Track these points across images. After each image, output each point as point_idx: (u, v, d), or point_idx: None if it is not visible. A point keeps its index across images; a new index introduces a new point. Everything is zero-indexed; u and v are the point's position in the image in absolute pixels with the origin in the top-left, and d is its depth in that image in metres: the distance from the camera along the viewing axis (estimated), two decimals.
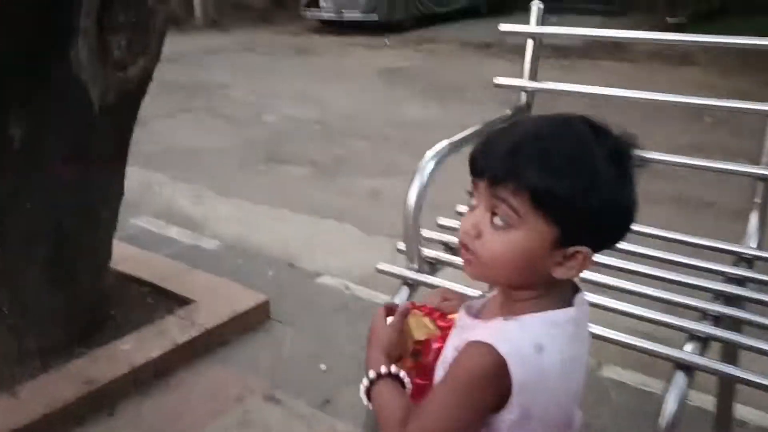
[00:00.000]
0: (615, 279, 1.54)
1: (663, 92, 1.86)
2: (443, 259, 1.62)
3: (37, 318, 2.06)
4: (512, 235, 0.88)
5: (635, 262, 1.62)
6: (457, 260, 1.63)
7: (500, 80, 1.95)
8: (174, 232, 3.70)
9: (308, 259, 3.35)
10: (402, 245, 1.59)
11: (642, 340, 1.38)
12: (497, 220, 0.88)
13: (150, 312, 2.37)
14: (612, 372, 2.38)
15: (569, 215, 0.86)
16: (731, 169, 1.75)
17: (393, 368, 0.98)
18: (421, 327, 1.03)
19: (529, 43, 1.92)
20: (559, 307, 0.92)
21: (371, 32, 10.85)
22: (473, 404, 0.89)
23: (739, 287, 1.50)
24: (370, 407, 0.99)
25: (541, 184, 0.84)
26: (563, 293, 0.94)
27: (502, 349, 0.87)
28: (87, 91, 1.85)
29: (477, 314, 1.00)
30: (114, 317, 2.30)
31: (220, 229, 3.77)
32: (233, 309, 2.47)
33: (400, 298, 1.52)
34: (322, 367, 2.39)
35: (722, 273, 1.56)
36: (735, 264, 1.62)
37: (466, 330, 0.96)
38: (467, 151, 0.93)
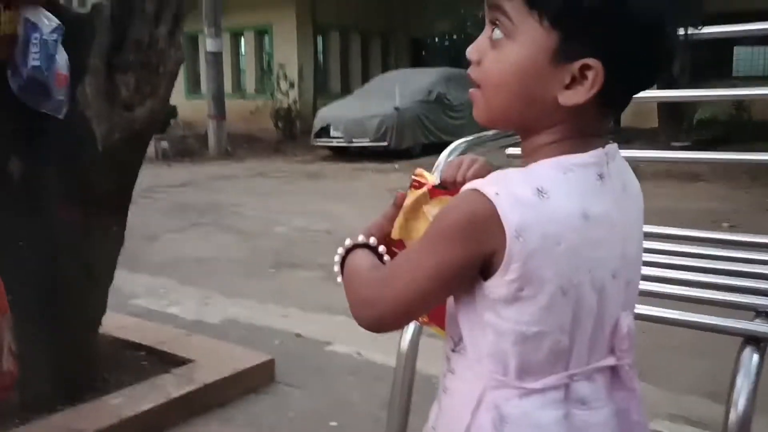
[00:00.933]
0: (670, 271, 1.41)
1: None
2: None
3: (20, 368, 1.85)
4: (508, 48, 0.75)
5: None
6: None
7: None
8: (177, 309, 3.51)
9: (317, 331, 3.16)
10: None
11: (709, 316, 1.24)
12: (495, 34, 0.76)
13: (145, 373, 2.16)
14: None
15: (565, 11, 0.70)
16: None
17: (371, 240, 0.88)
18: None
19: None
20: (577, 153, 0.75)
21: (381, 159, 11.11)
22: (451, 257, 0.72)
23: None
24: (340, 280, 0.89)
25: None
26: (586, 143, 0.76)
27: (491, 190, 0.71)
28: (92, 129, 1.77)
29: None
30: (107, 379, 2.09)
31: (226, 316, 3.60)
32: (234, 367, 2.27)
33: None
34: (332, 424, 2.14)
35: None
36: None
37: None
38: None
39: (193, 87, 17.34)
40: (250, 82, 17.48)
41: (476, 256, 0.72)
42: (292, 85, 14.86)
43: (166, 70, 1.92)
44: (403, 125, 11.51)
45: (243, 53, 17.83)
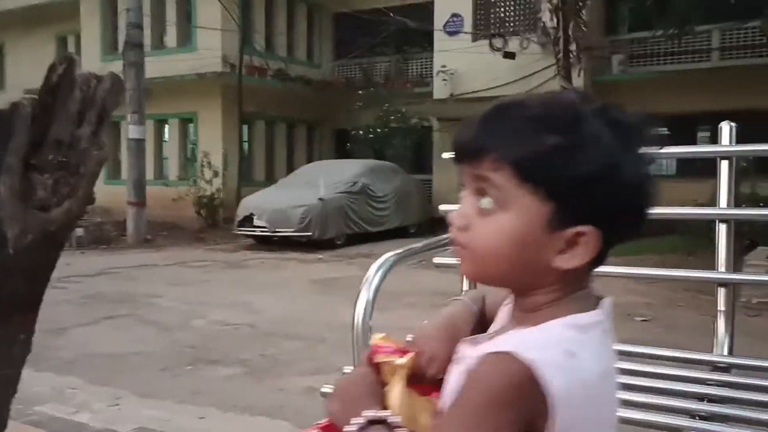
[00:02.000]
0: None
1: None
2: None
3: None
4: (500, 218, 0.75)
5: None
6: None
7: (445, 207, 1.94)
8: (85, 415, 3.28)
9: None
10: (348, 368, 1.42)
11: None
12: (483, 203, 0.76)
13: None
14: None
15: (560, 183, 0.72)
16: (691, 276, 1.71)
17: (390, 416, 0.77)
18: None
19: (725, 164, 1.84)
20: (583, 312, 0.76)
21: (304, 248, 11.07)
22: (497, 429, 0.68)
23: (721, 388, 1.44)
24: None
25: (522, 149, 0.72)
26: (585, 300, 0.78)
27: (528, 355, 0.68)
28: (3, 230, 1.68)
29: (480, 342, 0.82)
30: None
31: (139, 422, 3.38)
32: None
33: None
34: None
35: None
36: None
37: (468, 357, 0.78)
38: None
39: (113, 173, 16.98)
40: (173, 169, 17.30)
41: (521, 425, 0.69)
42: (216, 173, 14.80)
43: (87, 169, 1.87)
44: (327, 215, 11.58)
45: (167, 140, 17.72)
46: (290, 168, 16.54)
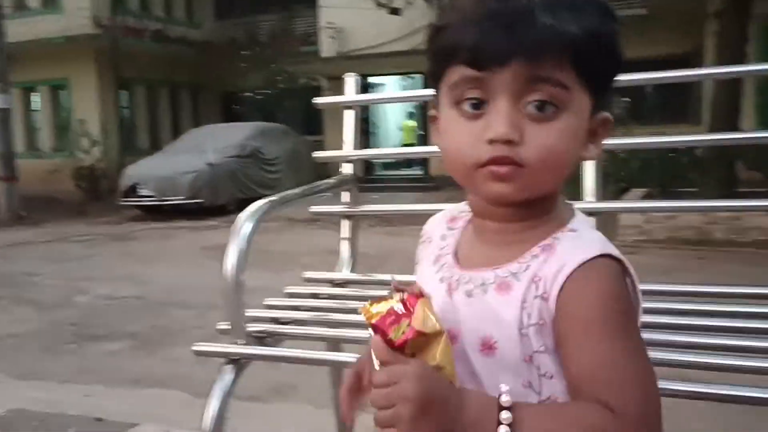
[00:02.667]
0: None
1: None
2: (275, 331, 1.37)
3: None
4: (563, 119, 0.71)
5: None
6: (294, 330, 1.39)
7: (321, 154, 1.87)
8: None
9: (122, 412, 2.86)
10: (223, 324, 1.34)
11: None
12: (546, 108, 0.70)
13: None
14: None
15: (611, 71, 0.74)
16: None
17: (504, 398, 0.66)
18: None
19: (349, 113, 1.86)
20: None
21: (195, 216, 10.70)
22: (639, 333, 0.71)
23: None
24: None
25: (585, 37, 0.69)
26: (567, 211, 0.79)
27: (614, 253, 0.71)
28: None
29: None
30: None
31: (16, 406, 3.15)
32: None
33: (224, 382, 1.24)
34: None
35: None
36: None
37: (500, 278, 0.74)
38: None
39: None
40: (46, 139, 16.18)
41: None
42: (94, 143, 13.96)
43: None
44: (217, 181, 11.23)
45: (38, 109, 16.52)
46: (176, 134, 15.84)
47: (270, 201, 1.44)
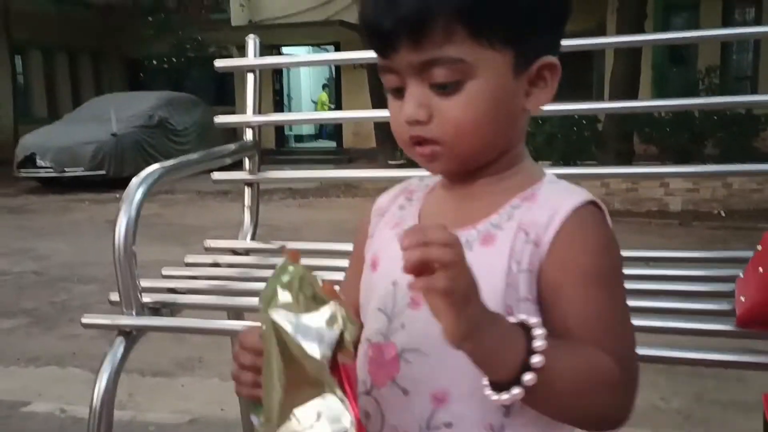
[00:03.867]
0: None
1: None
2: (172, 302, 1.33)
3: None
4: (469, 89, 0.68)
5: None
6: (191, 300, 1.36)
7: (222, 118, 1.82)
8: None
9: (15, 390, 2.74)
10: (115, 296, 1.29)
11: None
12: (447, 86, 0.68)
13: None
14: None
15: (515, 22, 0.69)
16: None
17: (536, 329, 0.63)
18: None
19: (250, 77, 1.82)
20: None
21: (99, 188, 10.23)
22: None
23: None
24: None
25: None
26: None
27: (598, 200, 0.72)
28: None
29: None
30: None
31: None
32: None
33: (115, 355, 1.19)
34: None
35: None
36: None
37: (484, 232, 0.73)
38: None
39: None
40: None
41: None
42: None
43: None
44: (122, 152, 10.76)
45: None
46: (76, 103, 15.03)
47: (164, 166, 1.39)
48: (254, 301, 1.30)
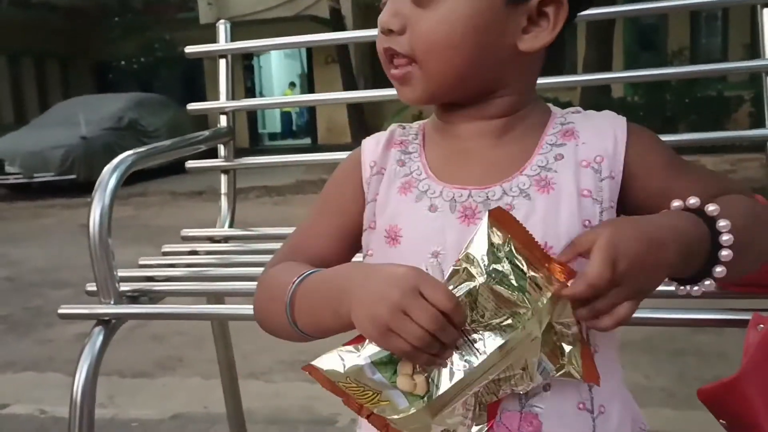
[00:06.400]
0: None
1: None
2: (150, 289, 1.29)
3: None
4: (449, 4, 0.63)
5: None
6: (170, 287, 1.32)
7: (195, 105, 1.78)
8: None
9: None
10: (92, 286, 1.25)
11: None
12: None
13: None
14: None
15: None
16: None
17: None
18: None
19: (222, 63, 1.78)
20: None
21: (70, 193, 10.06)
22: None
23: None
24: None
25: None
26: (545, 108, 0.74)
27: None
28: None
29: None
30: None
31: None
32: None
33: (94, 345, 1.15)
34: None
35: None
36: None
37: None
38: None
39: None
40: None
41: None
42: None
43: None
44: (92, 155, 10.56)
45: None
46: (44, 107, 14.75)
47: (136, 152, 1.35)
48: (235, 285, 1.27)
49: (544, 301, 0.59)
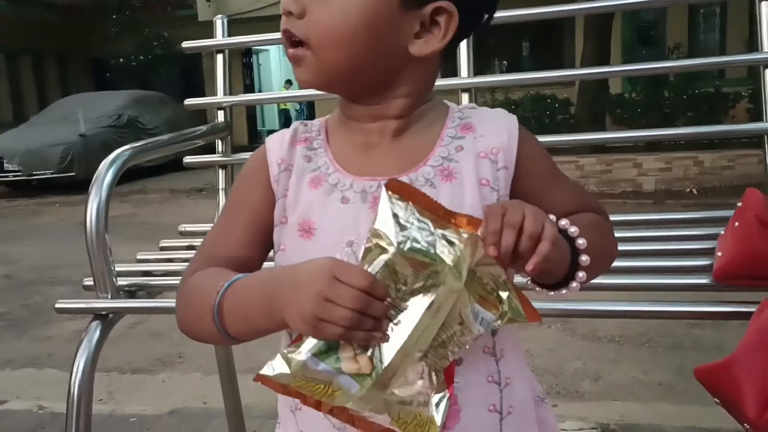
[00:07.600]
0: None
1: None
2: (147, 284, 1.29)
3: None
4: None
5: None
6: (168, 282, 1.32)
7: (193, 101, 1.78)
8: None
9: None
10: (89, 280, 1.25)
11: None
12: None
13: None
14: None
15: None
16: None
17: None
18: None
19: (219, 58, 1.78)
20: None
21: (69, 191, 10.06)
22: None
23: None
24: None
25: None
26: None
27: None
28: None
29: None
30: None
31: None
32: None
33: (91, 340, 1.15)
34: None
35: None
36: None
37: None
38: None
39: None
40: None
41: None
42: None
43: None
44: (91, 152, 10.53)
45: None
46: (43, 105, 14.73)
47: (133, 147, 1.35)
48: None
49: (458, 253, 0.63)
